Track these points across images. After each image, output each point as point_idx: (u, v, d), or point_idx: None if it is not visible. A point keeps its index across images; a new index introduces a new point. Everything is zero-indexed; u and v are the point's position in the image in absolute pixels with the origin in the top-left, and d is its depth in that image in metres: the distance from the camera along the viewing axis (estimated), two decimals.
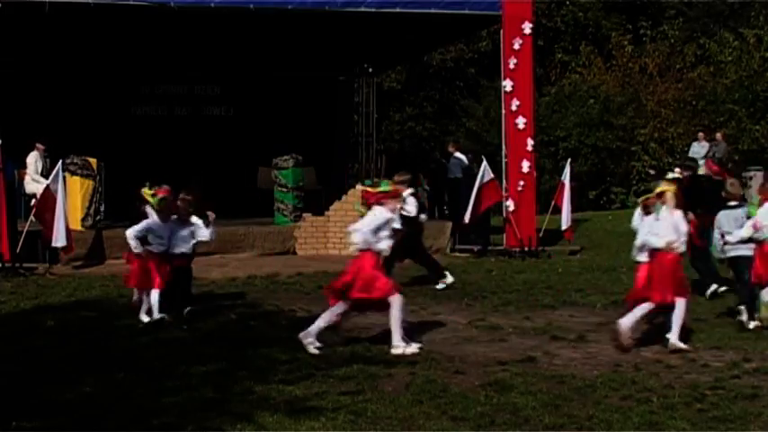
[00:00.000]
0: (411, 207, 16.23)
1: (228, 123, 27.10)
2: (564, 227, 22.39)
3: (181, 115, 27.12)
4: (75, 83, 25.04)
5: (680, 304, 11.46)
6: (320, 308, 14.30)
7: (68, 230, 18.50)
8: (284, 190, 22.58)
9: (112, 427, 8.15)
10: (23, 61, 21.15)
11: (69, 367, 10.35)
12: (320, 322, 11.38)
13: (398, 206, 12.26)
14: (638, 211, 12.87)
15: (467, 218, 20.99)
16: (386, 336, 12.09)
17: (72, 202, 20.03)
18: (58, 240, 18.38)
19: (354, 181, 24.27)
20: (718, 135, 31.75)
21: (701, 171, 19.72)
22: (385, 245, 11.49)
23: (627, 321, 11.50)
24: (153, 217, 13.67)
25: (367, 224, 11.40)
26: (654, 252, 11.76)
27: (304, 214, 22.06)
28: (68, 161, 20.01)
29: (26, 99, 21.96)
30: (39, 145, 22.21)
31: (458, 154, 25.96)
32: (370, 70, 30.45)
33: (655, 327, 11.95)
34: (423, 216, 17.21)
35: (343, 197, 21.82)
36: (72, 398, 9.03)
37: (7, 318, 13.85)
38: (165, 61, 25.55)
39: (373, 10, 20.93)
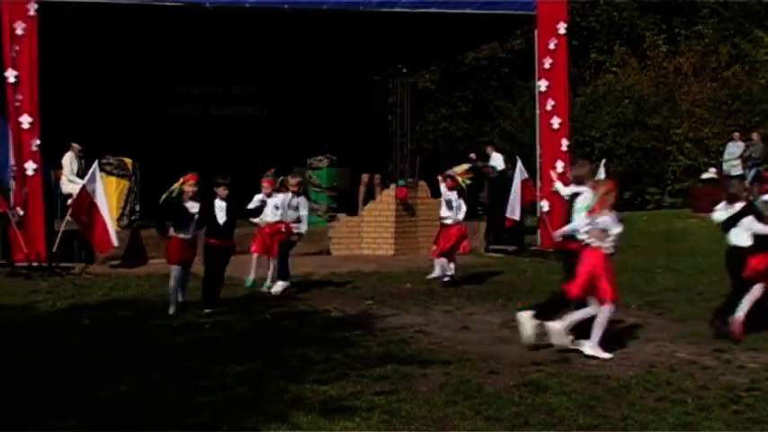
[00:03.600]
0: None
1: (263, 123, 27.12)
2: None
3: (216, 115, 27.18)
4: (111, 83, 25.12)
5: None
6: (354, 308, 14.41)
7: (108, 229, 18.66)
8: (318, 190, 22.62)
9: (148, 426, 8.17)
10: (60, 62, 21.22)
11: (105, 366, 10.40)
12: (596, 330, 11.09)
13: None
14: None
15: (516, 215, 20.92)
16: (420, 336, 12.11)
17: (108, 201, 20.13)
18: (115, 242, 18.53)
19: (389, 182, 24.24)
20: (755, 135, 31.43)
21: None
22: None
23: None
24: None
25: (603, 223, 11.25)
26: None
27: (338, 214, 22.08)
28: (104, 161, 20.11)
29: (62, 100, 22.02)
30: (74, 145, 22.27)
31: (495, 154, 25.92)
32: (405, 70, 30.39)
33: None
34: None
35: (377, 197, 21.79)
36: (107, 397, 9.06)
37: (44, 317, 13.93)
38: (200, 61, 25.60)
39: (408, 10, 20.90)
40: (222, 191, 14.30)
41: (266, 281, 16.22)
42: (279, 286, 15.78)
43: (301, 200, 16.32)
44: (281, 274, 15.89)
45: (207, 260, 14.24)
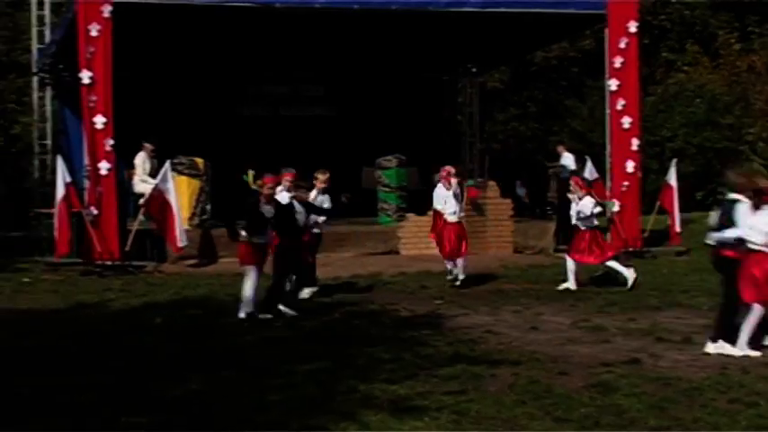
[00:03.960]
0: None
1: (332, 124, 27.22)
2: (678, 229, 22.11)
3: (285, 116, 27.33)
4: (183, 83, 25.38)
5: None
6: (424, 307, 14.43)
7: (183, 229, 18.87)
8: (388, 190, 22.66)
9: (219, 424, 8.23)
10: (133, 63, 21.48)
11: (176, 365, 10.50)
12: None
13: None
14: None
15: None
16: (489, 336, 12.09)
17: (179, 201, 20.33)
18: (182, 241, 18.73)
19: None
20: None
21: None
22: None
23: None
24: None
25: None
26: None
27: (407, 214, 22.09)
28: (176, 161, 20.31)
29: (135, 100, 22.29)
30: (147, 145, 22.50)
31: (566, 154, 25.81)
32: (474, 70, 30.37)
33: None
34: None
35: None
36: (179, 395, 9.14)
37: (116, 315, 14.11)
38: (270, 62, 25.79)
39: (477, 9, 20.85)
40: (303, 194, 14.31)
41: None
42: (306, 293, 15.32)
43: (326, 197, 15.71)
44: (308, 280, 15.39)
45: (282, 263, 13.96)
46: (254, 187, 14.51)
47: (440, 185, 17.67)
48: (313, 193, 15.33)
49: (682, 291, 16.20)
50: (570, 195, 17.09)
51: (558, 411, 8.56)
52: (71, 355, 11.03)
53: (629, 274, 16.83)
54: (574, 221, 17.04)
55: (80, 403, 8.77)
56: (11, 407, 8.68)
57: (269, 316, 13.48)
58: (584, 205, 16.73)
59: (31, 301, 15.45)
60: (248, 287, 13.52)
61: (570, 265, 16.89)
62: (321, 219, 15.54)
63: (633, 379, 9.76)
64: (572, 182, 17.54)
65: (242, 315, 13.45)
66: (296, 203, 14.19)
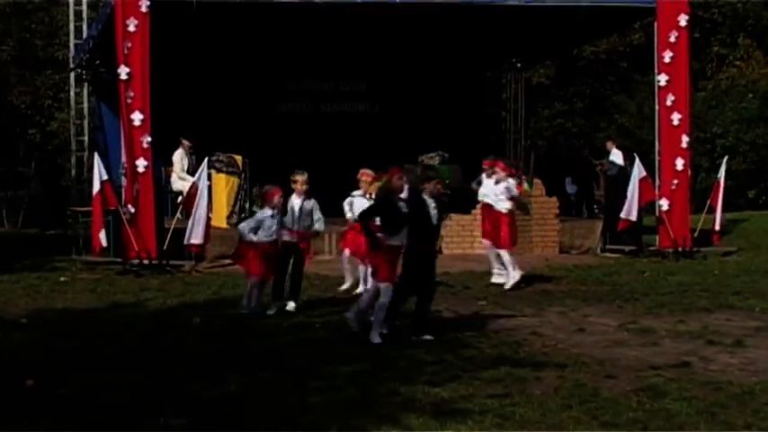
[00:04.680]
0: None
1: (374, 120, 27.25)
2: (717, 228, 21.98)
3: (326, 112, 27.40)
4: (221, 79, 25.50)
5: None
6: (467, 308, 14.43)
7: (207, 228, 18.83)
8: None
9: (258, 425, 8.26)
10: (170, 59, 21.59)
11: (214, 365, 10.54)
12: None
13: None
14: None
15: (633, 216, 20.72)
16: (533, 337, 12.05)
17: (217, 199, 20.44)
18: (192, 237, 18.70)
19: None
20: None
21: None
22: None
23: None
24: None
25: None
26: None
27: (450, 213, 22.06)
28: (214, 158, 20.41)
29: (173, 96, 22.40)
30: (184, 141, 22.61)
31: (615, 150, 25.72)
32: (519, 65, 30.33)
33: None
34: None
35: None
36: (217, 396, 9.18)
37: (154, 314, 14.19)
38: (310, 58, 25.84)
39: (522, 3, 20.82)
40: (435, 185, 12.45)
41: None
42: (292, 305, 14.34)
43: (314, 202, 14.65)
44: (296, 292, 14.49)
45: (412, 271, 12.31)
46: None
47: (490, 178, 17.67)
48: (297, 200, 14.25)
49: (733, 292, 16.08)
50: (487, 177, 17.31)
51: (605, 416, 8.53)
52: (108, 355, 11.11)
53: (515, 274, 16.79)
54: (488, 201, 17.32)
55: (117, 404, 8.83)
56: (49, 407, 8.75)
57: (429, 337, 12.01)
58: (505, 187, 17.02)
59: (67, 301, 15.56)
60: (382, 302, 12.08)
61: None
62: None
63: (682, 383, 9.70)
64: (496, 165, 17.59)
65: (377, 340, 11.82)
66: (427, 198, 12.31)
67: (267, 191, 14.38)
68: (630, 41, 38.77)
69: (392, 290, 12.01)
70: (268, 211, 14.08)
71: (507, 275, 16.89)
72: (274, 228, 14.02)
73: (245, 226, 14.30)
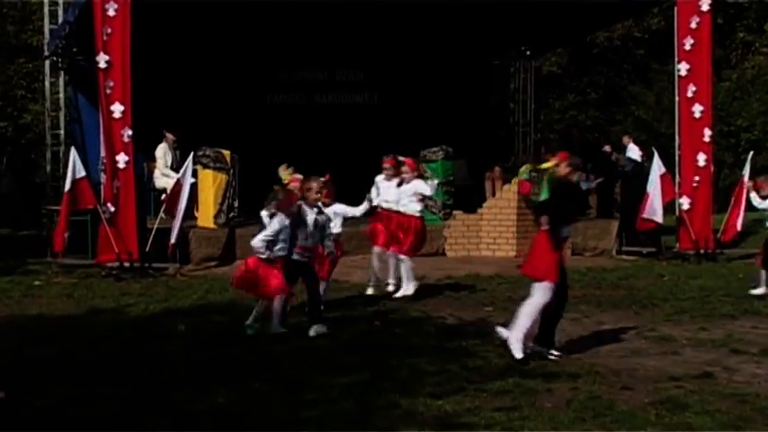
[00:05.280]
0: None
1: (372, 112, 27.24)
2: (739, 229, 21.94)
3: (321, 103, 27.37)
4: (208, 69, 25.47)
5: None
6: (472, 314, 14.45)
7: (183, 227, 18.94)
8: None
9: None
10: (153, 46, 21.58)
11: (201, 375, 10.55)
12: None
13: None
14: None
15: (658, 217, 20.72)
16: (540, 345, 12.06)
17: (204, 197, 20.45)
18: (174, 237, 18.81)
19: (511, 176, 24.21)
20: None
21: None
22: None
23: None
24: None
25: None
26: None
27: (454, 212, 22.10)
28: (200, 153, 20.41)
29: (156, 86, 22.38)
30: (168, 135, 22.60)
31: (632, 146, 25.77)
32: (528, 53, 30.35)
33: None
34: None
35: (498, 193, 21.74)
36: (204, 408, 9.19)
37: (136, 321, 14.20)
38: (303, 45, 25.81)
39: None
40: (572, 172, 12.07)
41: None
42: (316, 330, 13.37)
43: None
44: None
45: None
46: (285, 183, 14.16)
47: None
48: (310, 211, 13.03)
49: (759, 297, 16.12)
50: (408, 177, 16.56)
51: (621, 430, 8.56)
52: (86, 365, 11.12)
53: (412, 286, 16.10)
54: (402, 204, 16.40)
55: (96, 417, 8.85)
56: (21, 421, 8.77)
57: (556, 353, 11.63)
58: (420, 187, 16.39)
59: (42, 306, 15.57)
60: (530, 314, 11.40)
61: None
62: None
63: (705, 395, 9.73)
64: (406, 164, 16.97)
65: (519, 355, 11.24)
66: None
67: (284, 196, 13.11)
68: (648, 27, 38.81)
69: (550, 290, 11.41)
70: (285, 220, 12.80)
71: (405, 285, 16.13)
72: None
73: (260, 242, 12.79)
